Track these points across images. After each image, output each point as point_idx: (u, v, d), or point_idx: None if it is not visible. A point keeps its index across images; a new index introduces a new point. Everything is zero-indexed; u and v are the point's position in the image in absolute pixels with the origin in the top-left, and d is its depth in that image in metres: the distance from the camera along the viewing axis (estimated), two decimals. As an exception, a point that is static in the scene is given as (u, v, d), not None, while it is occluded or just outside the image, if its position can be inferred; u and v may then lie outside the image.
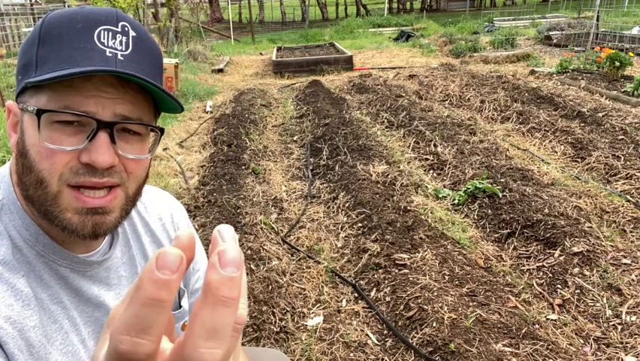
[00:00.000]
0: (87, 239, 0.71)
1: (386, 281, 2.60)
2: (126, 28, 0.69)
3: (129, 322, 0.24)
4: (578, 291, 2.47)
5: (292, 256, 3.02)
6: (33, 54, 0.67)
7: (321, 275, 2.79)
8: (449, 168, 4.10)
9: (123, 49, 0.68)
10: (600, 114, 5.22)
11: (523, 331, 2.17)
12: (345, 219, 3.39)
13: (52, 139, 0.66)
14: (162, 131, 0.76)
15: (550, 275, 2.61)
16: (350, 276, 2.78)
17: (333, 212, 3.55)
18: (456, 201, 3.55)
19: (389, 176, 3.88)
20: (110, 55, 0.67)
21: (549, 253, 2.76)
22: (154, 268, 0.25)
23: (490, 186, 3.49)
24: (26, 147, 0.68)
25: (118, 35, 0.68)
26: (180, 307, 0.93)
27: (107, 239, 0.82)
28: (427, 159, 4.41)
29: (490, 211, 3.29)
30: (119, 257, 0.84)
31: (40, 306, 0.70)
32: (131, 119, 0.69)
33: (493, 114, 5.71)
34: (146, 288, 0.24)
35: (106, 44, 0.67)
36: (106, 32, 0.67)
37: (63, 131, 0.66)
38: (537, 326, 2.27)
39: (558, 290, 2.51)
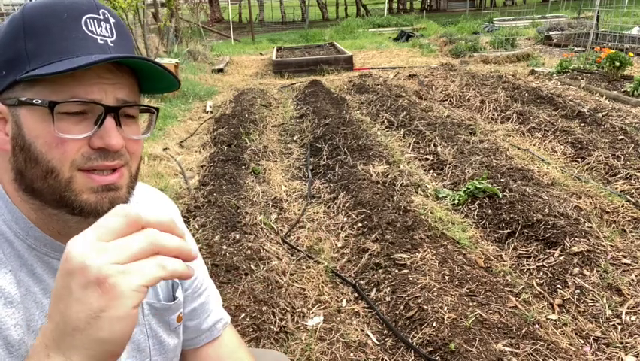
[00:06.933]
0: None
1: (386, 281, 2.60)
2: (106, 15, 0.72)
3: None
4: (578, 291, 2.47)
5: (292, 256, 3.02)
6: (20, 48, 0.67)
7: (321, 275, 2.79)
8: (449, 168, 4.10)
9: (110, 35, 0.71)
10: (600, 114, 5.22)
11: (523, 331, 2.17)
12: (345, 219, 3.39)
13: (61, 129, 0.67)
14: (158, 110, 0.80)
15: (550, 275, 2.61)
16: (350, 276, 2.78)
17: (333, 212, 3.55)
18: (456, 201, 3.54)
19: (389, 176, 3.88)
20: (102, 42, 0.70)
21: (549, 253, 2.76)
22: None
23: (490, 186, 3.49)
24: (28, 141, 0.68)
25: (102, 23, 0.71)
26: (175, 298, 0.94)
27: None
28: (427, 159, 4.41)
29: (490, 211, 3.28)
30: None
31: (32, 300, 0.71)
32: (130, 102, 0.73)
33: (493, 114, 5.71)
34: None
35: (95, 32, 0.69)
36: (91, 21, 0.70)
37: (69, 121, 0.68)
38: (537, 326, 2.27)
39: (558, 290, 2.51)
